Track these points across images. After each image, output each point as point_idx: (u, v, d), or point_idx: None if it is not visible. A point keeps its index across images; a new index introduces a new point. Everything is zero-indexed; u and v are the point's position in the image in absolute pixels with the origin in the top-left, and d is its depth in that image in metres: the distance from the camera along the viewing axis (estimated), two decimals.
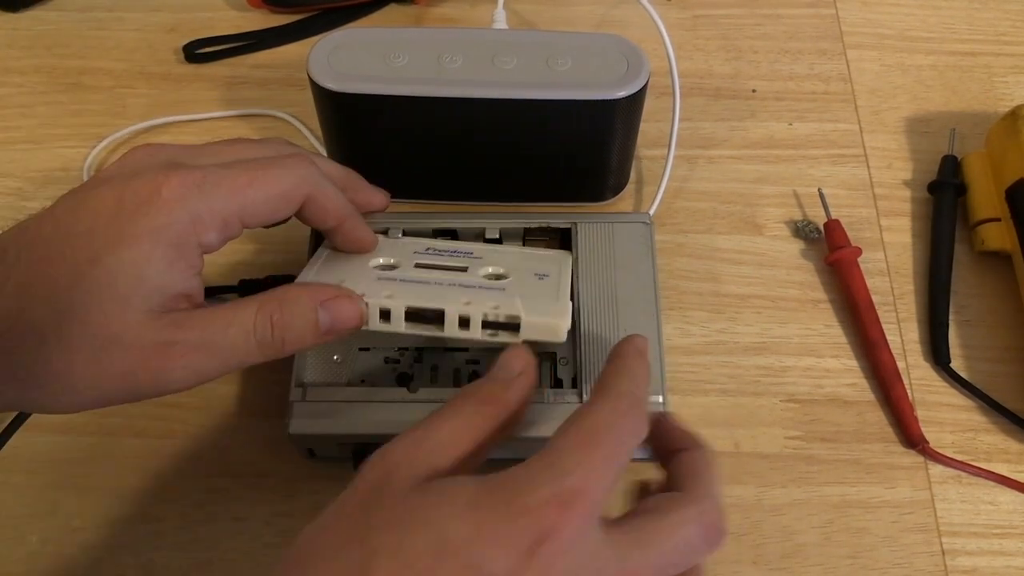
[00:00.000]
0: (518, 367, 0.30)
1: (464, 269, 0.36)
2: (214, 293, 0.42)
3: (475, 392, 0.29)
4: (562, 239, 0.41)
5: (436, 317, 0.33)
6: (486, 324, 0.33)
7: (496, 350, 0.32)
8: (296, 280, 0.35)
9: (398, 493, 0.25)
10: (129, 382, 0.29)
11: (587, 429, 0.27)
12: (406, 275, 0.35)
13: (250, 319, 0.30)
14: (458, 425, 0.28)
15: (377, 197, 0.39)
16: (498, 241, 0.41)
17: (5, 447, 0.39)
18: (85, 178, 0.47)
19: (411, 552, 0.24)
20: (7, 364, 0.29)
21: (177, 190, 0.29)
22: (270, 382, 0.41)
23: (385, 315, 0.33)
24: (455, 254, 0.38)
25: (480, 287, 0.35)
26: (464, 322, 0.33)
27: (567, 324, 0.33)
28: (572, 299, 0.38)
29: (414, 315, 0.33)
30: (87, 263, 0.28)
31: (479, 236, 0.41)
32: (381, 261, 0.36)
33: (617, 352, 0.31)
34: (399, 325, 0.33)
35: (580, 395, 0.36)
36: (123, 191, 0.30)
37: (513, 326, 0.33)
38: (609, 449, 0.26)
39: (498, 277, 0.36)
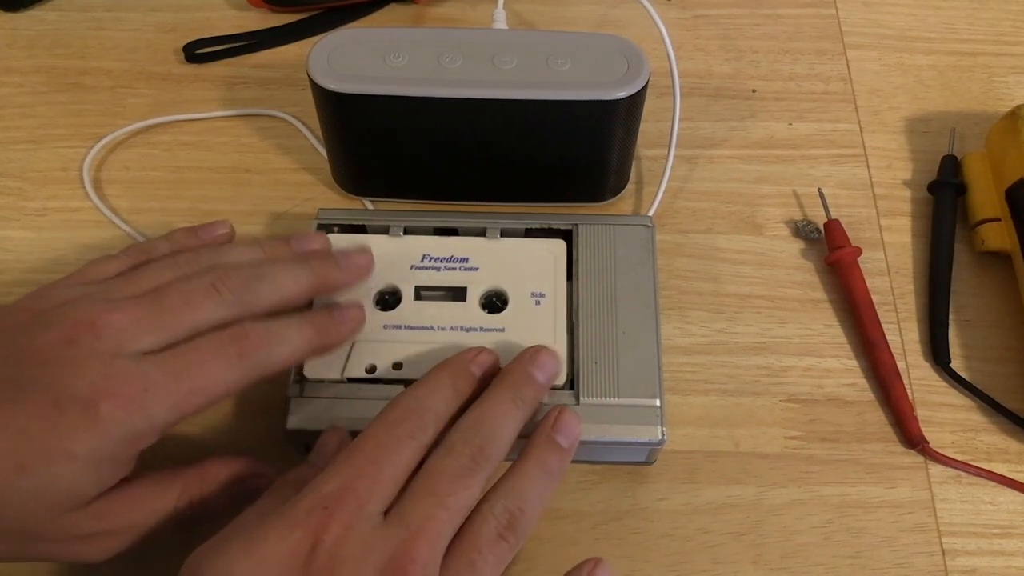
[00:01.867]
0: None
1: (463, 292, 0.38)
2: None
3: (291, 505, 0.28)
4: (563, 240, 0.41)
5: None
6: None
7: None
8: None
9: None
10: (49, 559, 0.30)
11: (347, 448, 0.29)
12: (409, 318, 0.38)
13: (172, 502, 0.31)
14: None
15: (356, 264, 0.36)
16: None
17: None
18: (85, 178, 0.47)
19: None
20: None
21: (117, 410, 0.28)
22: (269, 382, 0.40)
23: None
24: (451, 264, 0.39)
25: (481, 330, 0.37)
26: None
27: (564, 375, 0.36)
28: (570, 300, 0.38)
29: None
30: (18, 470, 0.27)
31: (480, 235, 0.41)
32: (383, 287, 0.39)
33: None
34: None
35: (577, 397, 0.36)
36: (61, 388, 0.28)
37: None
38: (368, 453, 0.29)
39: (497, 298, 0.39)
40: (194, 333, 0.30)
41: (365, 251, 0.37)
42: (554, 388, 0.36)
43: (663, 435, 0.36)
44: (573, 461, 0.39)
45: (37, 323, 0.30)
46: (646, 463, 0.39)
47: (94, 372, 0.28)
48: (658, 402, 0.36)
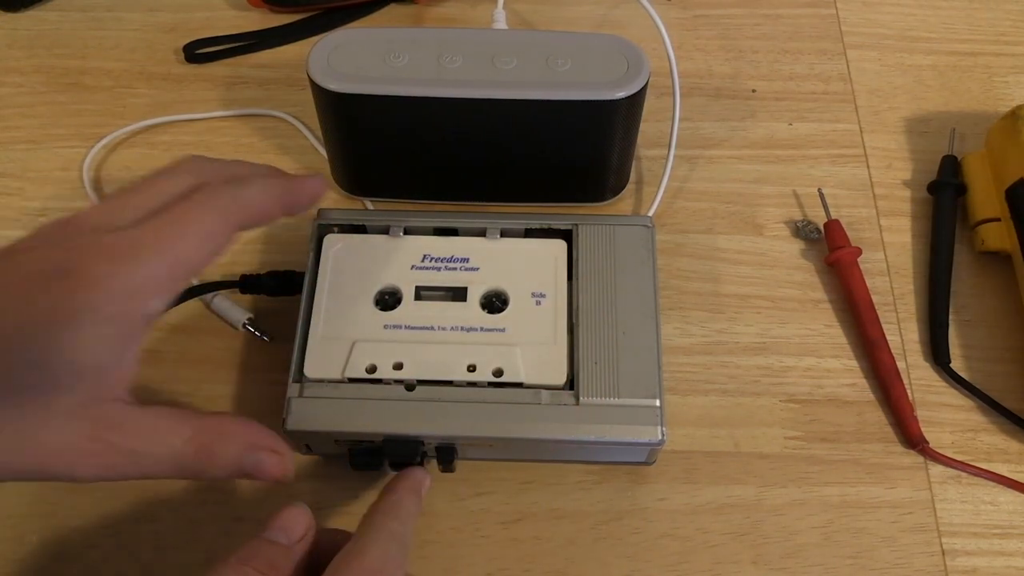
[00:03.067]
0: (299, 532, 0.30)
1: (464, 292, 0.38)
2: (215, 288, 0.42)
3: (253, 557, 0.28)
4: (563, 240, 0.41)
5: (445, 382, 0.37)
6: (491, 384, 0.36)
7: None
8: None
9: None
10: (38, 468, 0.28)
11: (362, 571, 0.28)
12: (409, 317, 0.38)
13: (179, 442, 0.29)
14: None
15: (310, 187, 0.34)
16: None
17: None
18: (85, 178, 0.47)
19: None
20: None
21: (107, 264, 0.27)
22: (269, 382, 0.41)
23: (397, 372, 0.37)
24: (451, 264, 0.39)
25: (481, 329, 0.37)
26: (471, 382, 0.37)
27: (564, 375, 0.36)
28: (570, 300, 0.38)
29: (426, 380, 0.37)
30: (18, 339, 0.26)
31: (480, 235, 0.41)
32: (383, 287, 0.39)
33: (390, 487, 0.32)
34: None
35: (576, 397, 0.36)
36: (51, 262, 0.27)
37: (516, 383, 0.36)
38: None
39: (498, 298, 0.39)
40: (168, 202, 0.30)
41: (317, 178, 0.34)
42: (554, 388, 0.36)
43: (663, 435, 0.36)
44: (573, 461, 0.39)
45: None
46: (646, 463, 0.39)
47: (81, 245, 0.27)
48: (658, 402, 0.36)
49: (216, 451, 0.30)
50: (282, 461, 0.31)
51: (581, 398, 0.36)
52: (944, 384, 0.42)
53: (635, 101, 0.40)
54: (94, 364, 0.27)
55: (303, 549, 0.30)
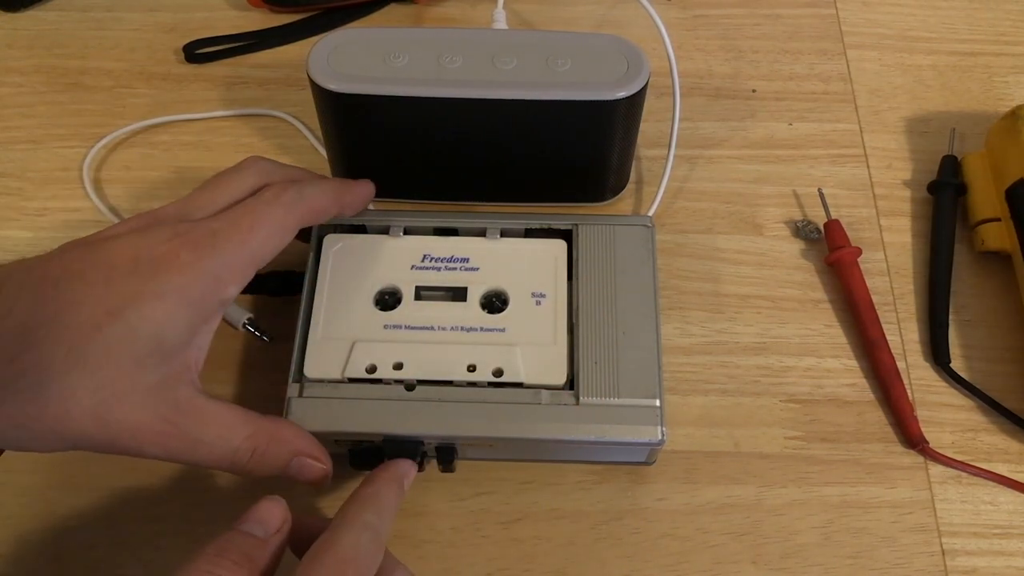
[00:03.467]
0: (275, 524, 0.30)
1: (464, 292, 0.38)
2: None
3: (228, 550, 0.28)
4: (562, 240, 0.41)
5: (445, 382, 0.36)
6: (491, 384, 0.36)
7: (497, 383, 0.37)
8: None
9: None
10: (111, 440, 0.29)
11: (333, 563, 0.28)
12: (409, 318, 0.38)
13: (238, 440, 0.31)
14: None
15: (362, 190, 0.39)
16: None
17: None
18: (85, 178, 0.47)
19: None
20: None
21: (190, 252, 0.30)
22: (269, 382, 0.41)
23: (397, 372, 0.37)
24: (451, 264, 0.39)
25: (481, 329, 0.37)
26: (471, 382, 0.37)
27: (564, 375, 0.36)
28: (570, 300, 0.38)
29: (426, 380, 0.37)
30: (106, 315, 0.29)
31: (480, 235, 0.41)
32: (383, 287, 0.39)
33: (370, 478, 0.33)
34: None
35: (576, 397, 0.36)
36: (139, 248, 0.30)
37: (516, 383, 0.36)
38: None
39: (498, 298, 0.39)
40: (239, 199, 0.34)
41: (367, 182, 0.40)
42: (554, 388, 0.36)
43: (663, 435, 0.36)
44: (573, 461, 0.39)
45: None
46: (646, 463, 0.39)
47: (165, 233, 0.31)
48: (658, 402, 0.36)
49: (268, 454, 0.32)
50: (323, 469, 0.34)
51: (581, 398, 0.36)
52: (944, 384, 0.42)
53: (635, 101, 0.40)
54: (174, 343, 0.30)
55: (279, 541, 0.30)
